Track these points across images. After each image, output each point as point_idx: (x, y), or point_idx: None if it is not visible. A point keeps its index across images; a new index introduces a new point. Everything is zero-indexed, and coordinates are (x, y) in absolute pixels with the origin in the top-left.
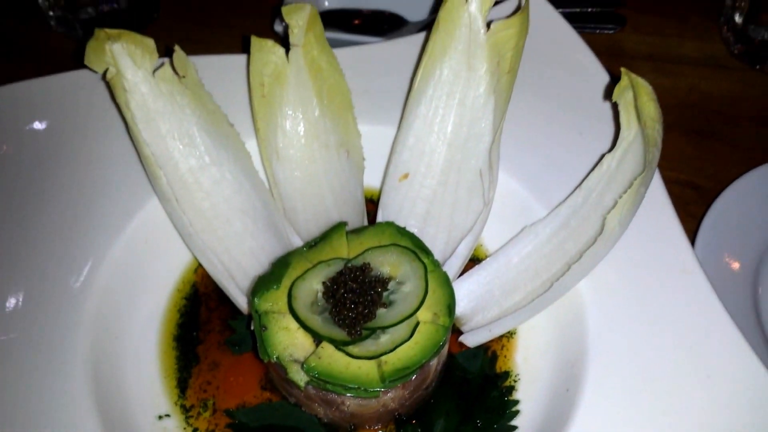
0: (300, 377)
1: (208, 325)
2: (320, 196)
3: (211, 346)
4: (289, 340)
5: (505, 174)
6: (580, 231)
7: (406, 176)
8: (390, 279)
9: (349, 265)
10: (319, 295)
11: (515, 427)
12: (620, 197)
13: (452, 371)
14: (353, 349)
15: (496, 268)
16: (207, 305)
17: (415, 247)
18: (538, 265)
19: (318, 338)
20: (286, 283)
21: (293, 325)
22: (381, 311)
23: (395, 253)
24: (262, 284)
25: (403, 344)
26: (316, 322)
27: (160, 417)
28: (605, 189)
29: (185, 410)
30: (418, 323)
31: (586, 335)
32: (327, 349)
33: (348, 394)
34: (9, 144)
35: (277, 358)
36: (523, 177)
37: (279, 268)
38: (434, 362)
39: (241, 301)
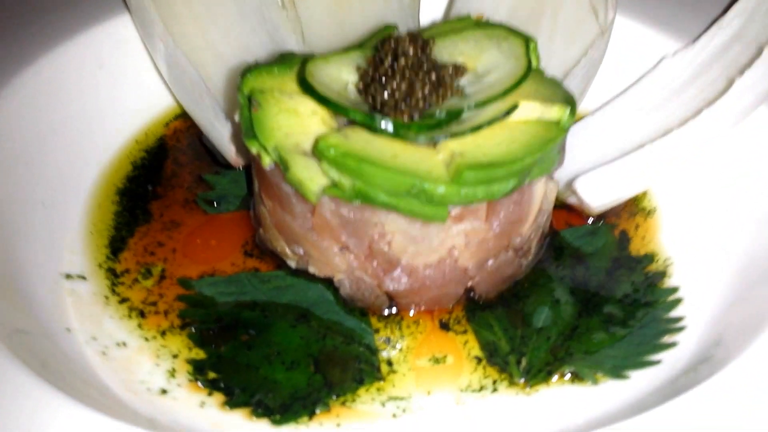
0: (310, 175)
1: (173, 180)
2: (355, 33)
3: (173, 203)
4: (297, 127)
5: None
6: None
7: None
8: (466, 70)
9: (399, 37)
10: (351, 86)
11: (680, 318)
12: None
13: (558, 251)
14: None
15: (626, 110)
16: (176, 160)
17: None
18: (694, 98)
19: (349, 121)
20: (296, 68)
21: (304, 109)
22: (453, 101)
23: (473, 40)
24: (259, 66)
25: (492, 132)
26: (347, 102)
27: (69, 276)
28: None
29: (113, 275)
30: (517, 105)
31: None
32: (360, 133)
33: (393, 214)
34: None
35: (276, 149)
36: (641, 13)
37: (287, 56)
38: (538, 191)
39: (227, 142)
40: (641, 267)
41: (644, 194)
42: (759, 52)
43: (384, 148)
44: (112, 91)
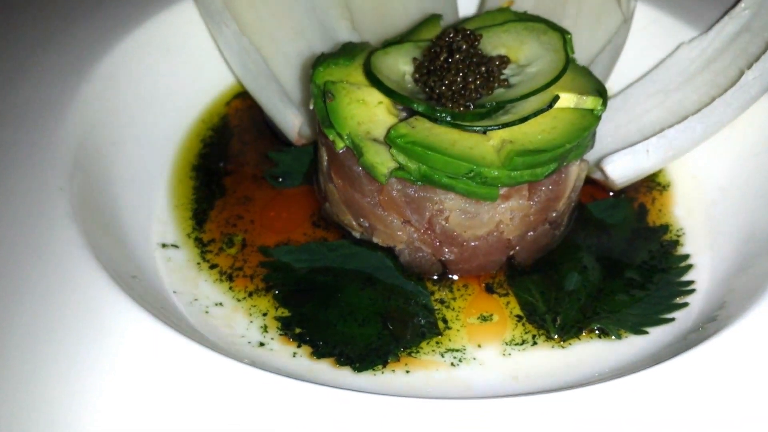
0: (381, 160)
1: (240, 158)
2: (402, 18)
3: (243, 179)
4: (366, 115)
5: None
6: (762, 36)
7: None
8: (509, 61)
9: (452, 34)
10: (407, 77)
11: (691, 282)
12: None
13: (585, 223)
14: (463, 122)
15: (646, 92)
16: (241, 138)
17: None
18: (707, 83)
19: (408, 113)
20: (359, 60)
21: (372, 99)
22: (500, 91)
23: (515, 32)
24: (327, 57)
25: (535, 120)
26: (407, 91)
27: (164, 245)
28: None
29: (201, 244)
30: (557, 96)
31: None
32: (423, 122)
33: (451, 193)
34: None
35: (349, 136)
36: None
37: (349, 47)
38: (573, 172)
39: (290, 123)
40: (657, 237)
41: (660, 170)
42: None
43: (444, 135)
44: (177, 74)
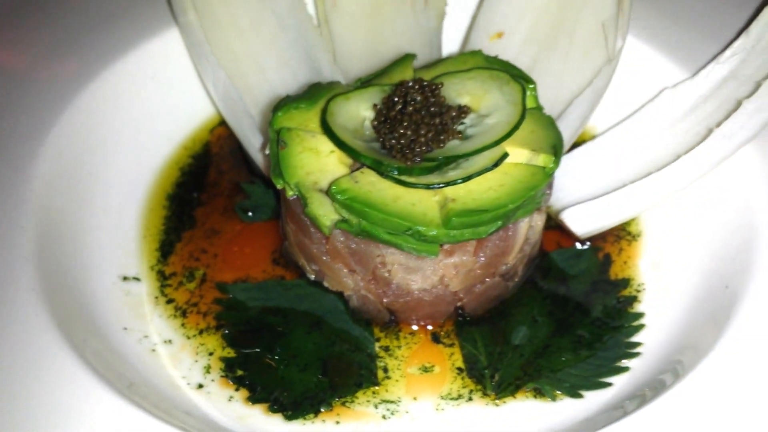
0: (324, 212)
1: (215, 188)
2: (383, 53)
3: (214, 210)
4: (316, 165)
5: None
6: (750, 84)
7: (499, 35)
8: (469, 111)
9: (411, 82)
10: (367, 123)
11: (638, 344)
12: None
13: (545, 272)
14: (409, 177)
15: (626, 138)
16: (218, 167)
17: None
18: (686, 132)
19: (360, 164)
20: (321, 104)
21: (324, 148)
22: (453, 143)
23: (480, 79)
24: (288, 101)
25: (483, 176)
26: (360, 144)
27: (125, 278)
28: None
29: (162, 277)
30: (506, 154)
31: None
32: (368, 175)
33: (391, 248)
34: None
35: (297, 185)
36: (654, 38)
37: (315, 89)
38: (523, 228)
39: (261, 156)
40: (616, 291)
41: (633, 219)
42: (741, 100)
43: (387, 191)
44: (162, 100)
